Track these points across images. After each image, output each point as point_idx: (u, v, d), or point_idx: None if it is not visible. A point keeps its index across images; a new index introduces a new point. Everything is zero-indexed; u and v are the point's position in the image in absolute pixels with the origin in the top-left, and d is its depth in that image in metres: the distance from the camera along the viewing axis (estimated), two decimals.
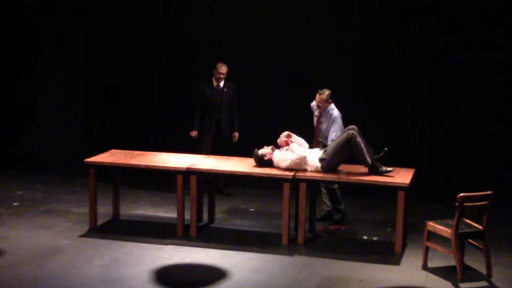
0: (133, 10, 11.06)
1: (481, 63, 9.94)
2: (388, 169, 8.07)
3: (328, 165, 8.19)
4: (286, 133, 8.49)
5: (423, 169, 8.88)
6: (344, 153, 8.18)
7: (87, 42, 11.28)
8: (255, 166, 8.39)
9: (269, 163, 8.36)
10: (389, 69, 10.22)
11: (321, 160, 8.24)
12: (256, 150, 8.43)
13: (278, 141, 8.45)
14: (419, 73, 10.17)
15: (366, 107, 10.22)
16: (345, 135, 8.18)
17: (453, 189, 7.84)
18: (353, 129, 8.14)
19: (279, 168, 8.30)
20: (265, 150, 8.42)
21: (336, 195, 8.98)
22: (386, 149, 8.14)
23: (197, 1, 10.83)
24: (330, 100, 8.77)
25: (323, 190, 9.08)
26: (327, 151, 8.26)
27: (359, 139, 8.07)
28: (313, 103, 8.92)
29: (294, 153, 8.23)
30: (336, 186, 8.92)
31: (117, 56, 11.15)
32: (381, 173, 8.04)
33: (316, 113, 8.90)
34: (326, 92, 8.75)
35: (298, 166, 8.24)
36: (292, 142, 8.43)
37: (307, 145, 8.54)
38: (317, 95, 8.78)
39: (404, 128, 10.22)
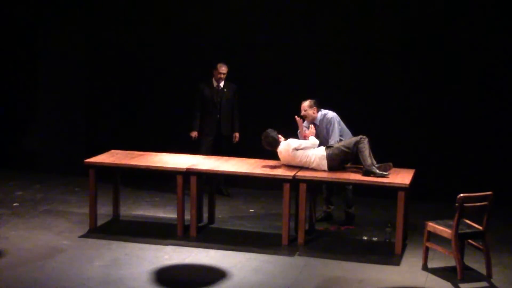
0: (133, 10, 11.06)
1: (481, 64, 9.93)
2: (384, 173, 8.08)
3: (333, 152, 8.26)
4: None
5: (423, 170, 8.89)
6: (350, 150, 8.23)
7: (87, 42, 11.26)
8: (265, 147, 8.50)
9: (275, 144, 8.42)
10: (389, 69, 10.21)
11: (327, 147, 8.35)
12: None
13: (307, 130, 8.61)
14: (418, 73, 10.15)
15: (366, 108, 10.21)
16: (356, 137, 8.29)
17: (453, 189, 7.85)
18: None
19: (285, 154, 8.34)
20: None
21: (349, 196, 8.95)
22: (391, 164, 8.19)
23: (198, 1, 10.83)
24: (315, 107, 8.72)
25: (326, 192, 9.08)
26: (336, 143, 8.44)
27: (366, 143, 8.16)
28: (304, 123, 8.82)
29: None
30: (350, 187, 8.87)
31: (117, 56, 11.14)
32: (375, 176, 8.05)
33: (305, 124, 8.81)
34: (308, 100, 8.72)
35: (306, 157, 8.30)
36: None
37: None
38: (301, 106, 8.73)
39: (404, 129, 10.20)
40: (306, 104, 8.72)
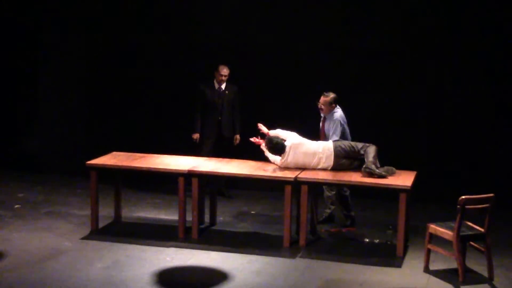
0: (134, 12, 11.07)
1: (481, 65, 9.93)
2: (383, 173, 8.09)
3: (340, 145, 8.34)
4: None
5: (424, 172, 8.87)
6: (356, 149, 8.29)
7: (87, 43, 11.26)
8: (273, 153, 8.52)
9: (283, 148, 8.40)
10: (390, 70, 10.21)
11: (334, 140, 8.46)
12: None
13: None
14: (419, 75, 10.15)
15: (367, 109, 10.19)
16: (366, 143, 8.33)
17: (454, 191, 7.82)
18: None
19: (295, 149, 8.36)
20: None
21: (347, 201, 8.95)
22: (394, 168, 8.23)
23: (199, 3, 10.84)
24: (334, 104, 8.78)
25: (327, 194, 9.07)
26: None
27: (374, 150, 8.20)
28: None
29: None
30: (348, 192, 8.91)
31: (118, 57, 11.15)
32: (374, 173, 8.06)
33: (322, 115, 8.93)
34: (331, 95, 8.76)
35: (313, 143, 8.40)
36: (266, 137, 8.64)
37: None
38: (322, 97, 8.80)
39: (406, 131, 10.20)
40: (326, 100, 8.75)
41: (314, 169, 8.38)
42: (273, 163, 8.56)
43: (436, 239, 7.65)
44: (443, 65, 10.09)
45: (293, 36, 10.53)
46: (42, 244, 8.17)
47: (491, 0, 9.87)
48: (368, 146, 8.28)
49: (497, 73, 9.93)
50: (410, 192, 7.93)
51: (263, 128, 8.75)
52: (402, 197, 7.88)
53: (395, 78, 10.23)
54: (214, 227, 8.97)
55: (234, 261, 7.76)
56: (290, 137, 8.52)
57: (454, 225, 7.27)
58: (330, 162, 8.35)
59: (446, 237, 7.41)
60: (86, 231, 8.61)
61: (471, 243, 7.52)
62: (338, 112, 8.80)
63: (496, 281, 7.38)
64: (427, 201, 9.73)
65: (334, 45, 10.34)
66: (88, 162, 8.65)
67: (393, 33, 10.18)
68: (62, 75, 11.41)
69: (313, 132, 8.95)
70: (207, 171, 8.44)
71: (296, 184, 8.16)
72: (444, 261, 7.78)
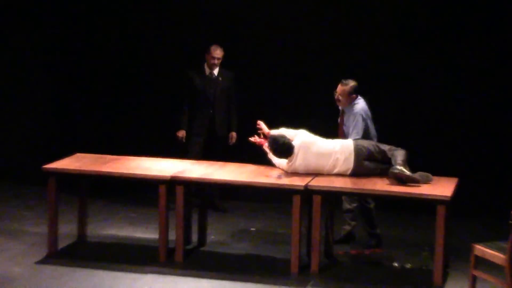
0: None
1: None
2: (416, 177, 8.01)
3: (362, 145, 8.33)
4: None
5: (466, 179, 8.81)
6: (380, 150, 8.30)
7: (45, 33, 11.41)
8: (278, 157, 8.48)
9: (290, 150, 8.34)
10: (427, 67, 10.35)
11: (354, 138, 8.49)
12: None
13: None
14: (462, 71, 10.28)
15: (399, 107, 10.38)
16: (391, 146, 8.36)
17: (505, 203, 7.92)
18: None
19: (305, 150, 8.34)
20: None
21: (371, 216, 8.96)
22: (430, 175, 8.18)
23: None
24: (354, 95, 8.75)
25: (347, 206, 9.05)
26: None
27: (403, 154, 8.17)
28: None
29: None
30: (372, 205, 8.89)
31: (81, 42, 11.24)
32: (403, 176, 7.97)
33: (340, 108, 8.94)
34: (350, 83, 8.73)
35: (329, 144, 8.38)
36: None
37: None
38: (339, 86, 8.76)
39: (446, 130, 10.32)
40: (345, 89, 8.73)
41: (329, 174, 8.37)
42: (278, 168, 8.46)
43: (483, 264, 7.54)
44: (487, 62, 10.20)
45: (301, 13, 10.58)
46: None
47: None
48: (396, 150, 8.28)
49: None
50: (450, 204, 7.89)
51: (263, 126, 8.66)
52: (441, 210, 7.83)
53: (437, 71, 10.38)
54: (203, 248, 8.96)
55: None
56: (298, 136, 8.47)
57: (507, 245, 7.15)
58: (350, 164, 8.29)
59: (496, 260, 7.29)
60: (42, 253, 8.55)
61: None
62: (360, 104, 8.77)
63: None
64: (471, 215, 9.82)
65: (351, 24, 10.44)
66: (45, 166, 8.60)
67: (436, 21, 10.29)
68: (13, 58, 11.51)
69: (329, 130, 8.92)
70: (195, 178, 8.42)
71: (307, 193, 8.12)
72: None
